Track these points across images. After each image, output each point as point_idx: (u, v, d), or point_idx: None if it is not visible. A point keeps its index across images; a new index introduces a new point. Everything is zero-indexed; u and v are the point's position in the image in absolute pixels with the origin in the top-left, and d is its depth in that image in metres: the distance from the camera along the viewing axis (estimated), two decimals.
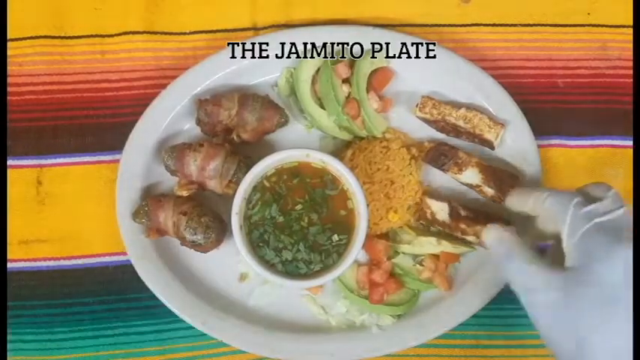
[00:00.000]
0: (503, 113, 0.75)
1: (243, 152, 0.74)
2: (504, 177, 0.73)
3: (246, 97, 0.74)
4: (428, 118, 0.75)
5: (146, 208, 0.73)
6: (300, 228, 0.71)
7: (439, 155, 0.74)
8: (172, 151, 0.73)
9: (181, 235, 0.72)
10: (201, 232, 0.71)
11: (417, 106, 0.75)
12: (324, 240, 0.71)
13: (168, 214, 0.72)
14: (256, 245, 0.71)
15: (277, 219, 0.71)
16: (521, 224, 0.69)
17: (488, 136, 0.73)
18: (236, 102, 0.73)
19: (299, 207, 0.71)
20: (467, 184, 0.75)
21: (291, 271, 0.71)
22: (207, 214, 0.72)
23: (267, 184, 0.72)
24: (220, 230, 0.73)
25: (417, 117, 0.76)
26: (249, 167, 0.71)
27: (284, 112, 0.75)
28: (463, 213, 0.73)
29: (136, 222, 0.73)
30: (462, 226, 0.73)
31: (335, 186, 0.72)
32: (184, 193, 0.73)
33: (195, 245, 0.72)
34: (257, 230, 0.71)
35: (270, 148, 0.77)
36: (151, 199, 0.73)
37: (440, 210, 0.74)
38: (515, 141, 0.75)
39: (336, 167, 0.70)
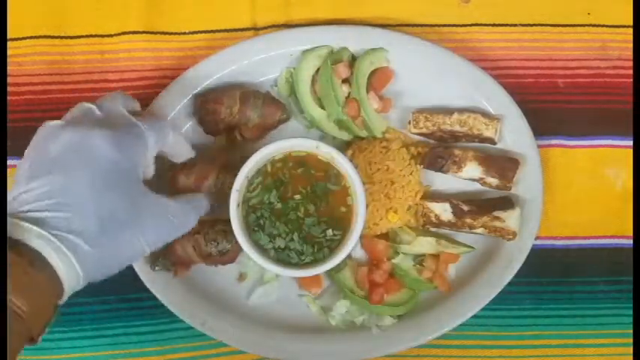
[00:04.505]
0: (503, 113, 0.75)
1: (243, 151, 0.74)
2: (504, 163, 0.73)
3: (247, 94, 0.73)
4: (424, 132, 0.75)
5: (158, 252, 0.71)
6: (297, 217, 0.71)
7: (436, 158, 0.74)
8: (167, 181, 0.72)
9: (205, 252, 0.72)
10: (222, 238, 0.71)
11: (409, 123, 0.75)
12: (318, 233, 0.71)
13: (184, 243, 0.71)
14: (252, 229, 0.71)
15: (275, 205, 0.71)
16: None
17: (487, 133, 0.73)
18: (237, 99, 0.73)
19: (298, 197, 0.71)
20: (470, 179, 0.75)
21: (282, 259, 0.71)
22: (217, 223, 0.72)
23: (271, 169, 0.72)
24: None
25: (413, 133, 0.76)
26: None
27: (285, 108, 0.75)
28: (466, 208, 0.73)
29: (157, 270, 0.72)
30: (469, 220, 0.73)
31: (338, 182, 0.72)
32: None
33: (222, 255, 0.72)
34: (254, 214, 0.71)
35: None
36: None
37: (443, 211, 0.74)
38: (515, 141, 0.75)
39: (342, 164, 0.70)
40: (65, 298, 0.54)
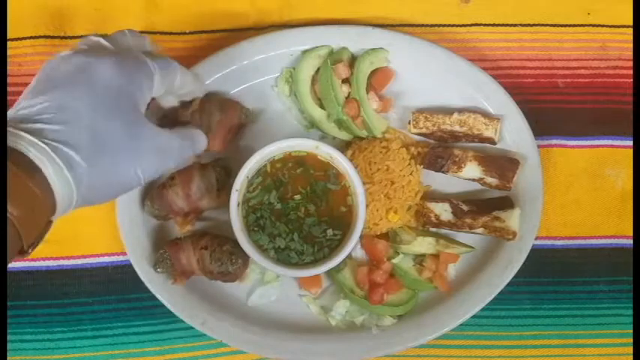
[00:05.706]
0: (503, 113, 0.75)
1: (220, 164, 0.74)
2: (504, 163, 0.73)
3: (201, 104, 0.72)
4: (424, 132, 0.75)
5: (165, 255, 0.72)
6: (297, 218, 0.71)
7: (435, 158, 0.74)
8: (152, 200, 0.73)
9: (208, 269, 0.72)
10: (227, 259, 0.72)
11: (409, 123, 0.75)
12: (318, 233, 0.71)
13: (190, 254, 0.72)
14: (252, 229, 0.71)
15: (275, 205, 0.71)
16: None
17: (487, 133, 0.74)
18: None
19: (298, 197, 0.71)
20: (470, 179, 0.75)
21: (282, 259, 0.71)
22: (227, 242, 0.72)
23: (270, 169, 0.72)
24: (245, 253, 0.71)
25: (413, 133, 0.76)
26: (227, 170, 0.72)
27: (244, 108, 0.74)
28: (466, 208, 0.73)
29: (158, 272, 0.73)
30: (468, 221, 0.73)
31: (337, 182, 0.72)
32: (189, 227, 0.74)
33: (224, 275, 0.72)
34: (254, 214, 0.71)
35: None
36: (167, 245, 0.73)
37: (443, 211, 0.74)
38: (515, 141, 0.75)
39: (342, 163, 0.70)
40: (58, 214, 0.53)
